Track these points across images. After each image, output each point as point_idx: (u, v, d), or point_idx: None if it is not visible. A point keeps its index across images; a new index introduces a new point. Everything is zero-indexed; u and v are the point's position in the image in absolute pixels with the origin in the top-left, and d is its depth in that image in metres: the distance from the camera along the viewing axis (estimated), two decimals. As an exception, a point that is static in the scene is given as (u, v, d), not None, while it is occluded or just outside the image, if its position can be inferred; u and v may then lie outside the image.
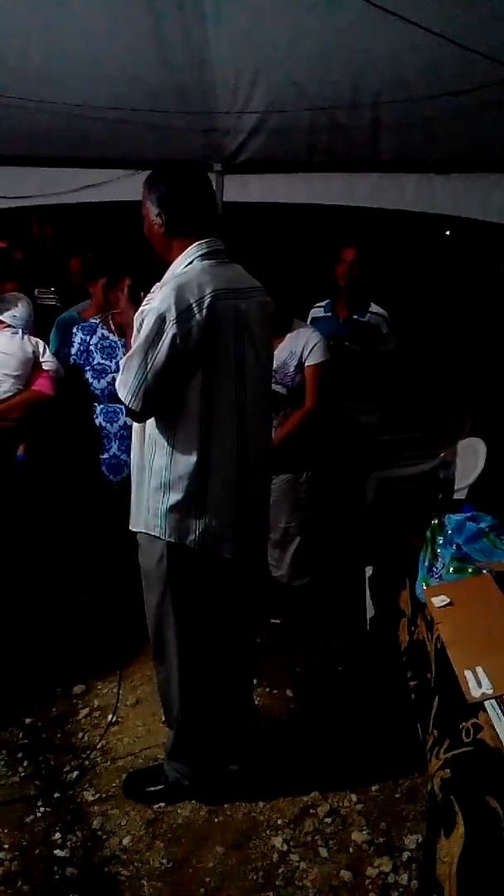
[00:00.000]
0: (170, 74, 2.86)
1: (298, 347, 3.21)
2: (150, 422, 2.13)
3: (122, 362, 2.09)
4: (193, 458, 2.08)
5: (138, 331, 2.03)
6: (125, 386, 2.04)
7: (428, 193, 3.65)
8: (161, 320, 1.96)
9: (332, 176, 3.70)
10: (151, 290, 2.08)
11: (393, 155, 3.47)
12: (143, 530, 2.20)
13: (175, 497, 2.10)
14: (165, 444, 2.10)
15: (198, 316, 1.97)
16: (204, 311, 1.98)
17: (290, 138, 3.33)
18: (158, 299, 1.99)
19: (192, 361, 2.01)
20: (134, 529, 2.25)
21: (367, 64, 2.71)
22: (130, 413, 2.12)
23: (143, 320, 2.02)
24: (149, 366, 1.99)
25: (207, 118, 3.23)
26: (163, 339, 1.97)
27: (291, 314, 3.30)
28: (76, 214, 4.30)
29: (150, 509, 2.16)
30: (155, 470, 2.12)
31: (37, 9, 2.48)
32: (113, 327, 3.24)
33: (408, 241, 6.70)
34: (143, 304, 2.06)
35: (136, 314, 2.07)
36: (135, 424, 2.21)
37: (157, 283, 2.10)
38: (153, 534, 2.16)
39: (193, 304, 1.97)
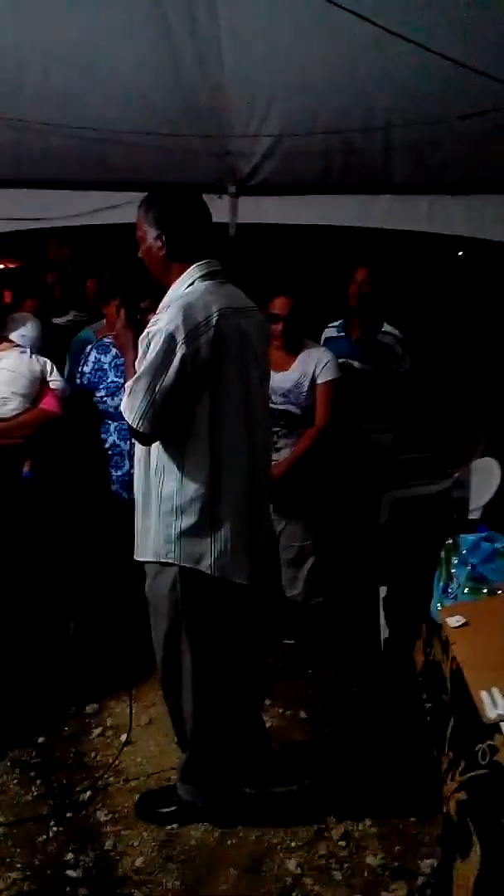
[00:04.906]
0: (185, 99, 2.90)
1: (310, 367, 3.23)
2: (157, 447, 2.10)
3: (126, 385, 2.06)
4: (205, 481, 2.05)
5: (144, 353, 2.00)
6: (132, 409, 2.00)
7: (440, 215, 3.68)
8: (170, 340, 1.94)
9: (345, 198, 3.73)
10: (155, 313, 2.08)
11: (406, 177, 3.50)
12: (153, 559, 2.15)
13: (188, 521, 2.07)
14: (175, 467, 2.07)
15: (206, 335, 1.97)
16: (212, 329, 1.98)
17: (304, 161, 3.37)
18: (165, 320, 1.97)
19: (200, 381, 2.00)
20: (141, 559, 2.20)
21: (379, 87, 2.75)
22: (137, 436, 2.09)
23: (149, 342, 1.99)
24: (157, 387, 1.96)
25: (222, 141, 3.28)
26: (172, 359, 1.94)
27: (303, 334, 3.32)
28: (93, 237, 4.36)
29: (160, 536, 2.11)
30: (165, 495, 2.09)
31: (55, 36, 2.53)
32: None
33: (421, 262, 6.73)
34: (148, 326, 2.04)
35: (141, 337, 2.05)
36: (138, 451, 2.18)
37: (160, 306, 2.09)
38: (165, 560, 2.11)
39: (202, 323, 1.97)
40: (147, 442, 2.11)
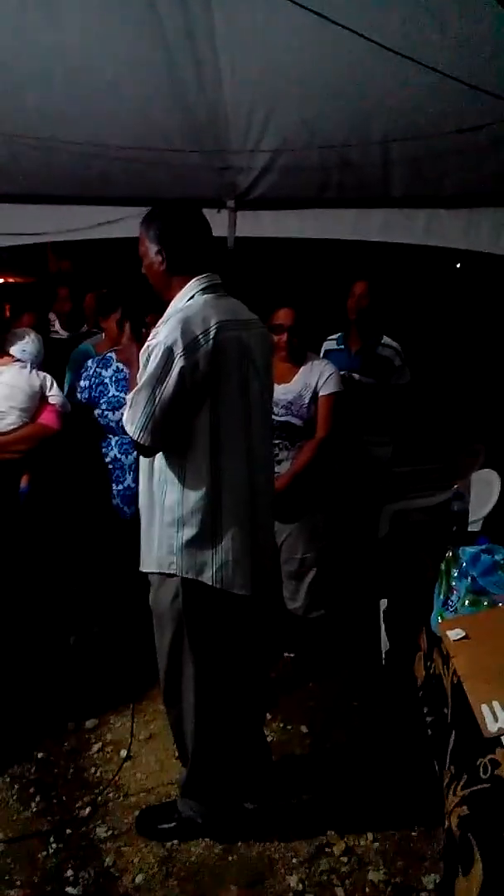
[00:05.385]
0: (184, 115, 2.92)
1: (313, 380, 3.24)
2: (159, 458, 2.12)
3: (128, 398, 2.09)
4: (205, 493, 2.07)
5: (144, 366, 2.03)
6: (132, 422, 2.03)
7: (437, 228, 3.70)
8: (168, 354, 1.97)
9: (343, 212, 3.75)
10: (156, 326, 2.10)
11: (404, 191, 3.52)
12: (156, 570, 2.16)
13: (190, 532, 2.09)
14: (176, 479, 2.09)
15: (204, 347, 1.99)
16: (210, 342, 2.00)
17: (302, 176, 3.39)
18: (164, 333, 2.00)
19: (199, 394, 2.02)
20: (145, 570, 2.22)
21: (377, 102, 2.76)
22: (138, 448, 2.11)
23: (149, 355, 2.02)
24: (156, 400, 1.99)
25: (220, 157, 3.30)
26: (170, 372, 1.97)
27: (306, 347, 3.33)
28: (92, 251, 4.39)
29: (163, 547, 2.13)
30: (167, 506, 2.11)
31: (54, 52, 2.56)
32: (127, 360, 3.28)
33: (419, 275, 6.76)
34: (149, 339, 2.07)
35: (142, 350, 2.07)
36: (142, 462, 2.20)
37: (161, 320, 2.11)
38: (168, 571, 2.13)
39: (200, 336, 1.99)
40: (148, 453, 2.13)
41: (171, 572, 2.12)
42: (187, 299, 2.11)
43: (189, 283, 2.12)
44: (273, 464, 2.39)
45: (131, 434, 2.05)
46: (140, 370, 2.07)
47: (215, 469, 2.07)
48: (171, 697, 2.32)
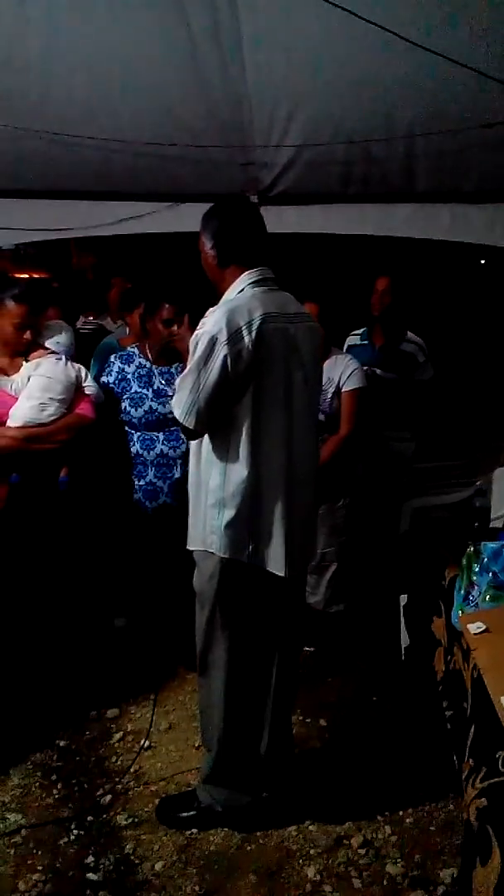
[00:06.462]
0: (208, 110, 2.93)
1: (336, 374, 3.25)
2: (206, 443, 2.21)
3: (177, 382, 2.19)
4: (245, 476, 2.15)
5: (192, 354, 2.13)
6: (179, 405, 2.14)
7: (462, 223, 3.67)
8: (213, 342, 2.06)
9: (367, 206, 3.74)
10: (205, 315, 2.18)
11: (428, 186, 3.50)
12: (200, 547, 2.26)
13: (230, 514, 2.17)
14: (219, 462, 2.18)
15: (247, 338, 2.07)
16: (254, 333, 2.07)
17: (326, 171, 3.38)
18: (210, 323, 2.09)
19: (242, 382, 2.10)
20: (190, 548, 2.31)
21: (401, 97, 2.75)
22: (184, 431, 2.23)
23: (196, 343, 2.12)
24: (201, 385, 2.09)
25: (244, 152, 3.30)
26: (214, 360, 2.06)
27: (329, 342, 3.34)
28: (115, 246, 4.41)
29: (206, 526, 2.22)
30: (211, 488, 2.20)
31: (80, 50, 2.58)
32: (150, 355, 3.29)
33: (443, 270, 6.73)
34: (197, 328, 2.16)
35: (192, 338, 2.17)
36: (191, 446, 2.30)
37: (210, 310, 2.19)
38: (209, 550, 2.22)
39: (243, 327, 2.07)
40: (193, 436, 2.24)
41: (212, 551, 2.21)
42: (237, 292, 2.21)
43: (241, 277, 2.22)
44: (317, 455, 2.45)
45: (178, 416, 2.16)
46: (189, 357, 2.17)
47: (255, 455, 2.15)
48: (205, 673, 2.38)
